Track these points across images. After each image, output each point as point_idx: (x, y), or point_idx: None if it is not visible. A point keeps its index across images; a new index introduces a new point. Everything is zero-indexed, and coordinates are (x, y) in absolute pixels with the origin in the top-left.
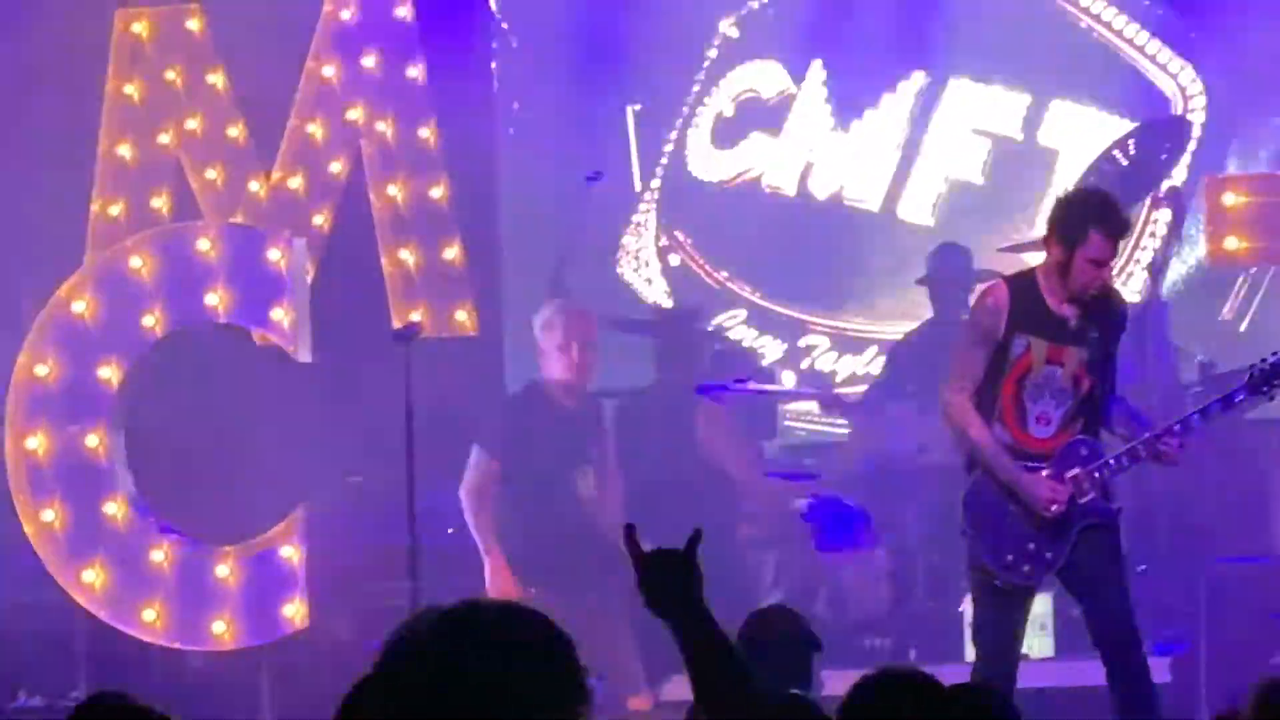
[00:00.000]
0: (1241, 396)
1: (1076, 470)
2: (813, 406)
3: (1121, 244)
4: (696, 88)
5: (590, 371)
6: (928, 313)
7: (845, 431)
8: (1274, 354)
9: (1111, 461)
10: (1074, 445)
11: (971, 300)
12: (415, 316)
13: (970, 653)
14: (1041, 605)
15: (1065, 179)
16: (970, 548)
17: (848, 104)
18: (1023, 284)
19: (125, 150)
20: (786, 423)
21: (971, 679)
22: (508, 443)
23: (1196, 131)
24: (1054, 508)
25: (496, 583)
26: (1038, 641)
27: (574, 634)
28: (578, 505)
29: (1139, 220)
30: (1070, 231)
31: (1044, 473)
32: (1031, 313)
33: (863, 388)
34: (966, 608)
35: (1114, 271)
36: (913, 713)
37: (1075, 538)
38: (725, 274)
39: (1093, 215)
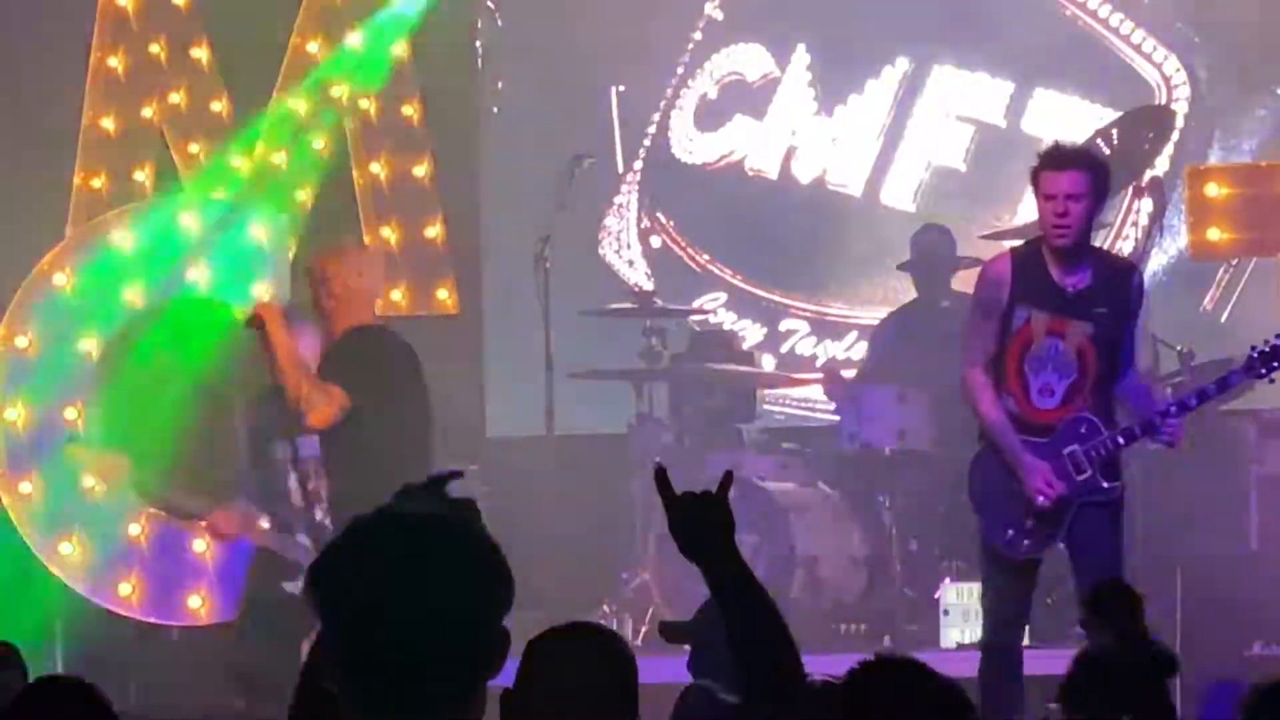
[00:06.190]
0: (1239, 379)
1: (1074, 448)
2: (790, 390)
3: (1079, 176)
4: (680, 70)
5: None
6: (909, 299)
7: (824, 415)
8: (1277, 335)
9: (1109, 440)
10: (1074, 422)
11: (953, 281)
12: (396, 295)
13: (947, 638)
14: None
15: None
16: (977, 519)
17: (832, 88)
18: (1027, 254)
19: (108, 123)
20: (765, 406)
21: (979, 647)
22: None
23: (1179, 121)
24: (1040, 499)
25: None
26: None
27: None
28: None
29: (1120, 210)
30: (1032, 185)
31: (1043, 450)
32: (1033, 284)
33: (851, 372)
34: (943, 594)
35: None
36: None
37: (1074, 514)
38: (706, 256)
39: (1039, 160)
